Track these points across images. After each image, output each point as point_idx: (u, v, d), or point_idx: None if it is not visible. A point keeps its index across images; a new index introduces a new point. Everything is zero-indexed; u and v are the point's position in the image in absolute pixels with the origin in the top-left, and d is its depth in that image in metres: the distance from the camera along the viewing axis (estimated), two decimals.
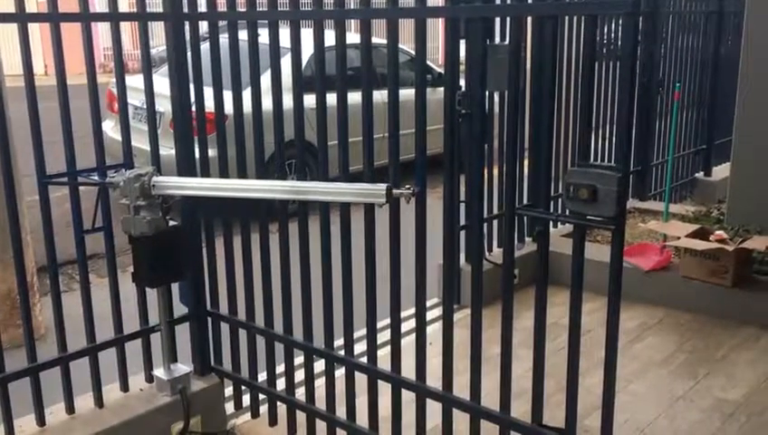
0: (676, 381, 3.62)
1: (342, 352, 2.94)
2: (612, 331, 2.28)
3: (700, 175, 6.94)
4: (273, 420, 3.20)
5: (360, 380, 2.92)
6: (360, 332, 2.99)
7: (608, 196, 2.01)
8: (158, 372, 3.03)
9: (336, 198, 2.68)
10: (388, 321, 2.90)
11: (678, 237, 4.45)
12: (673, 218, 5.23)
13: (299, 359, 3.15)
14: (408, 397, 2.82)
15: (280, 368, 3.19)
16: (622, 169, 2.03)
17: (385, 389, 2.86)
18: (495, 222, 4.71)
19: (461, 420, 2.71)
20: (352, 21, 2.88)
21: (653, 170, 6.22)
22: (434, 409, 2.75)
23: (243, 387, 3.31)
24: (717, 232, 4.54)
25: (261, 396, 3.27)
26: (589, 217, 2.13)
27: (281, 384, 3.19)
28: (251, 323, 3.16)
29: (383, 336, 3.01)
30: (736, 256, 4.22)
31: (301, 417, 3.11)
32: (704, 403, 3.41)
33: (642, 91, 5.83)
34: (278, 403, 3.20)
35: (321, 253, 2.86)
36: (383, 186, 2.46)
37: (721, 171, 6.75)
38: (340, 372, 3.03)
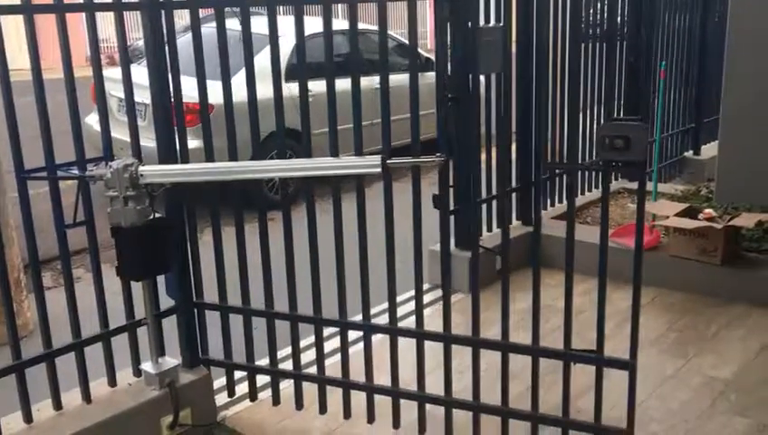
0: (666, 360, 3.63)
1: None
2: (638, 255, 2.62)
3: (689, 154, 6.93)
4: (276, 400, 3.22)
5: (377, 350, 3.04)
6: (375, 308, 3.14)
7: (639, 143, 2.40)
8: (146, 365, 3.02)
9: (334, 172, 2.81)
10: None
11: (667, 217, 4.45)
12: (662, 198, 5.23)
13: (303, 342, 3.23)
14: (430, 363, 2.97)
15: (280, 353, 3.24)
16: (647, 121, 2.45)
17: (406, 349, 2.98)
18: (485, 206, 4.69)
19: (488, 365, 2.90)
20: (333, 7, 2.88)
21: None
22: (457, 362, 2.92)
23: (236, 374, 3.31)
24: (706, 210, 4.54)
25: (259, 381, 3.29)
26: (618, 163, 2.52)
27: (283, 365, 3.23)
28: (247, 307, 3.16)
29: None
30: (725, 233, 4.22)
31: (308, 394, 3.16)
32: (694, 382, 3.42)
33: (629, 71, 5.81)
34: (281, 383, 3.24)
35: (333, 227, 2.95)
36: (378, 157, 2.60)
37: (710, 150, 6.73)
38: (353, 350, 3.12)
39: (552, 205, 5.21)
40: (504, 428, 2.88)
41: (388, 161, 2.63)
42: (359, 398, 3.10)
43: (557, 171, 4.83)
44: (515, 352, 2.84)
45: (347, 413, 3.12)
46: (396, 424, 3.05)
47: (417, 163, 2.78)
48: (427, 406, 3.02)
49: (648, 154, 6.15)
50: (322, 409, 3.15)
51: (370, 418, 3.09)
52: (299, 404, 3.19)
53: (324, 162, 2.81)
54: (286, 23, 3.10)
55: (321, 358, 3.13)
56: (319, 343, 3.12)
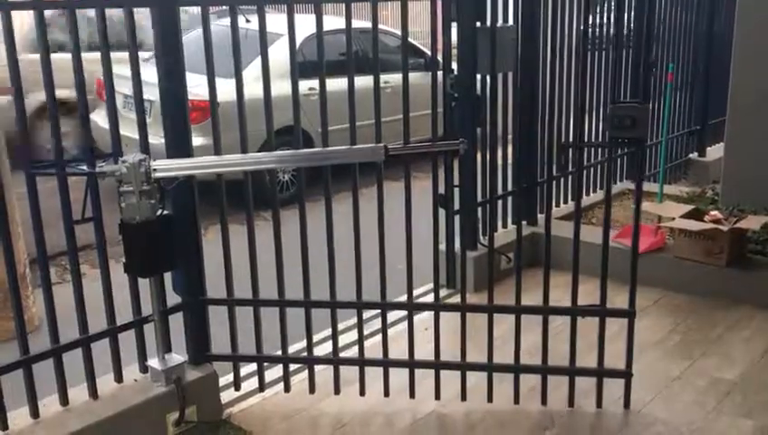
0: (671, 361, 3.62)
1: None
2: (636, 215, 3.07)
3: (694, 155, 6.93)
4: (287, 388, 3.29)
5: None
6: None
7: (643, 122, 2.91)
8: (153, 362, 3.02)
9: (342, 160, 2.99)
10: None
11: (673, 218, 4.44)
12: (667, 199, 5.22)
13: (317, 335, 3.37)
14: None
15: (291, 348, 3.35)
16: (648, 103, 3.09)
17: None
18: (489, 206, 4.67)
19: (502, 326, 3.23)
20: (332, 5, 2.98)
21: (647, 151, 6.20)
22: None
23: (242, 372, 3.34)
24: (712, 212, 4.53)
25: (267, 377, 3.35)
26: (624, 140, 3.01)
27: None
28: (257, 298, 3.20)
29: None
30: (731, 236, 4.21)
31: (320, 380, 3.27)
32: (699, 383, 3.41)
33: (635, 72, 5.79)
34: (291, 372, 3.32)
35: (352, 215, 3.12)
36: (381, 145, 2.89)
37: (715, 151, 6.74)
38: (368, 344, 3.31)
39: (558, 205, 5.21)
40: (516, 383, 3.18)
41: (391, 147, 2.87)
42: (373, 380, 3.26)
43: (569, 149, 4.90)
44: (527, 313, 3.15)
45: (362, 391, 3.24)
46: (412, 394, 3.24)
47: (434, 150, 3.06)
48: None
49: (654, 155, 6.17)
50: (336, 390, 3.24)
51: (386, 392, 3.23)
52: (312, 389, 3.27)
53: (330, 151, 2.98)
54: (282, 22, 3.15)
55: (335, 341, 3.23)
56: (334, 326, 3.22)
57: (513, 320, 3.20)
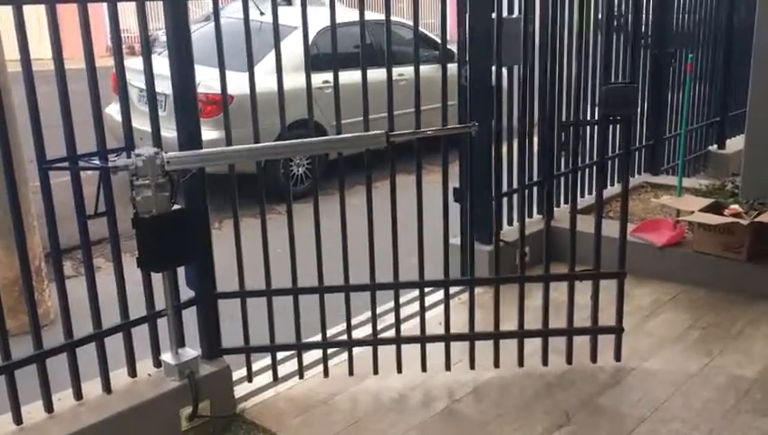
0: (690, 358, 3.57)
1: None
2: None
3: (714, 148, 6.82)
4: (301, 375, 3.35)
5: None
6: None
7: (633, 99, 3.19)
8: (166, 356, 3.01)
9: (345, 148, 3.11)
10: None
11: (692, 212, 4.38)
12: (686, 193, 5.15)
13: (331, 330, 3.43)
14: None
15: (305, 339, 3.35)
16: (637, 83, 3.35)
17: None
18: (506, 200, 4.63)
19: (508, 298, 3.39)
20: None
21: (665, 144, 6.12)
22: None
23: (254, 365, 3.34)
24: (732, 206, 4.46)
25: (281, 372, 3.38)
26: (617, 118, 3.28)
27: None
28: (270, 289, 3.21)
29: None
30: (751, 230, 4.14)
31: (333, 374, 3.35)
32: (718, 380, 3.36)
33: (654, 63, 5.72)
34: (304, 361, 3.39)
35: (366, 199, 3.17)
36: (382, 132, 2.96)
37: (735, 144, 6.64)
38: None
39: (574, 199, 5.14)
40: (520, 347, 3.39)
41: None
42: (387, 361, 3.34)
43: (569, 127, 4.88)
44: (530, 281, 3.39)
45: (375, 370, 3.33)
46: (424, 368, 3.36)
47: (442, 134, 3.15)
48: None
49: (673, 147, 6.09)
50: (350, 371, 3.35)
51: (399, 368, 3.35)
52: (326, 373, 3.35)
53: (334, 139, 3.12)
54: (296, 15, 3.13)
55: (349, 324, 3.29)
56: (347, 309, 3.27)
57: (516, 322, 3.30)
